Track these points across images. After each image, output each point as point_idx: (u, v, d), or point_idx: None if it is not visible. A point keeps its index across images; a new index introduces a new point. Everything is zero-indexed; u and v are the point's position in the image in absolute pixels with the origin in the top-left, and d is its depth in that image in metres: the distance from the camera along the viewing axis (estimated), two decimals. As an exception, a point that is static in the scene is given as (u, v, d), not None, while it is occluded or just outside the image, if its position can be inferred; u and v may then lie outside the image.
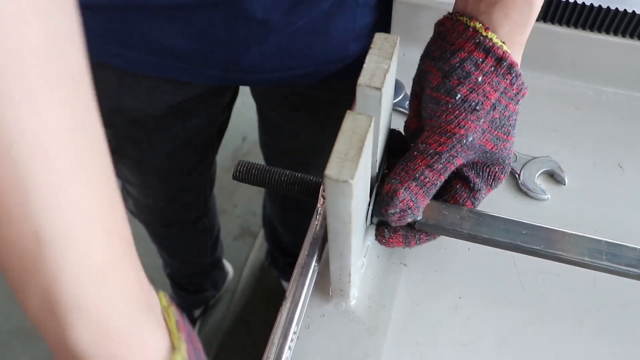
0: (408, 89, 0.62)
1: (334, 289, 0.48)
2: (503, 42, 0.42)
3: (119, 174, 0.90)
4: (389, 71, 0.38)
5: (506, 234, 0.45)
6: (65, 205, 0.24)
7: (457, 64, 0.42)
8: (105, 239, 0.26)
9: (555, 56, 0.65)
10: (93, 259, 0.25)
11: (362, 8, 0.61)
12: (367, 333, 0.48)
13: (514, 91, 0.43)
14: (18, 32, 0.22)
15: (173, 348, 0.29)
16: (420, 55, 0.48)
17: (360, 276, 0.50)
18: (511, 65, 0.42)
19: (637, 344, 0.48)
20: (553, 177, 0.58)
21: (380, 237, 0.48)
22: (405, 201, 0.43)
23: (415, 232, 0.47)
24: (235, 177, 0.49)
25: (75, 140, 0.24)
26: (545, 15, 0.62)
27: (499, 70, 0.42)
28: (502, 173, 0.47)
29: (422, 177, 0.43)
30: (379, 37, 0.40)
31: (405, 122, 0.49)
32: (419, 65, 0.47)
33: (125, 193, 0.99)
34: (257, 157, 1.01)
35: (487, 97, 0.42)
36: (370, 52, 0.39)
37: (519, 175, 0.57)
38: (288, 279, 0.59)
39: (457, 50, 0.42)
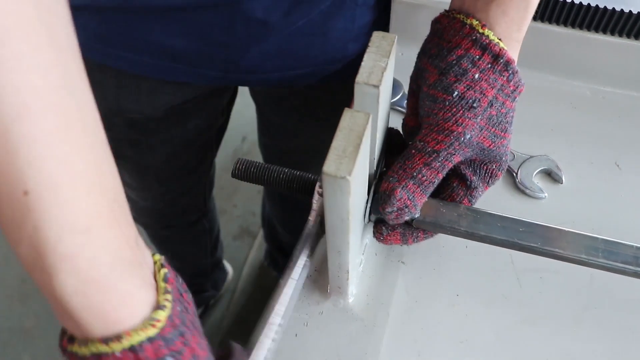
0: (406, 88, 0.63)
1: (332, 287, 0.49)
2: (500, 40, 0.42)
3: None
4: (386, 69, 0.38)
5: (503, 232, 0.45)
6: (49, 161, 0.26)
7: (454, 62, 0.42)
8: (90, 195, 0.27)
9: (553, 56, 0.65)
10: (76, 214, 0.27)
11: (361, 8, 0.61)
12: (365, 330, 0.48)
13: (511, 88, 0.44)
14: (3, 2, 0.24)
15: (158, 306, 0.30)
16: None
17: (358, 274, 0.50)
18: (508, 62, 0.42)
19: (634, 341, 0.48)
20: (550, 175, 0.58)
21: (378, 234, 0.48)
22: (402, 200, 0.43)
23: (413, 229, 0.48)
24: (234, 175, 0.49)
25: (61, 101, 0.26)
26: (543, 15, 0.62)
27: (496, 67, 0.42)
28: (499, 170, 0.47)
29: (420, 176, 0.43)
30: (377, 36, 0.40)
31: (403, 120, 0.50)
32: (416, 63, 0.47)
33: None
34: (257, 157, 1.01)
35: (484, 94, 0.42)
36: (368, 50, 0.39)
37: (516, 174, 0.57)
38: (287, 279, 0.59)
39: (453, 48, 0.42)
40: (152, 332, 0.29)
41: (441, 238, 0.52)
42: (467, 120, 0.42)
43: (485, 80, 0.42)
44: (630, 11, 0.59)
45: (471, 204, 0.48)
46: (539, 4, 0.61)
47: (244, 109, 1.12)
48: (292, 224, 1.16)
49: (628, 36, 0.61)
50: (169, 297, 0.31)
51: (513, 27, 0.43)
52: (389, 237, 0.48)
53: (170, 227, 1.09)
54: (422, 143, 0.43)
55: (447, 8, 0.46)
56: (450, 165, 0.44)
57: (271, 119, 0.87)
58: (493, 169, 0.47)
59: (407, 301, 0.50)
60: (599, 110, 0.64)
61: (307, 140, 0.85)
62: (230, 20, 0.56)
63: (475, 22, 0.42)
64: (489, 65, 0.42)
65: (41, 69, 0.25)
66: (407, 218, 0.45)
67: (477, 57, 0.42)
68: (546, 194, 0.56)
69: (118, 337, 0.28)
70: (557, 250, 0.44)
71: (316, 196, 0.45)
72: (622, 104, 0.64)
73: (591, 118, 0.63)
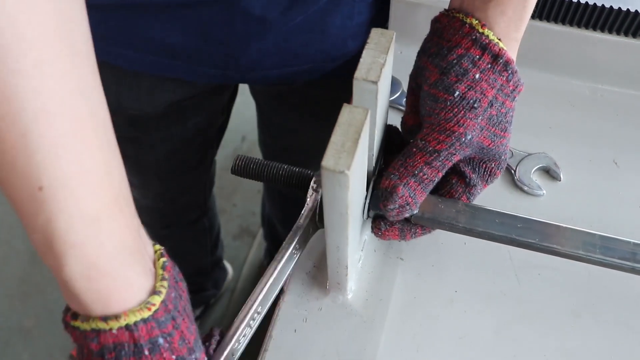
0: (405, 86, 0.63)
1: (331, 283, 0.49)
2: (499, 39, 0.42)
3: None
4: (385, 65, 0.39)
5: (501, 228, 0.45)
6: (62, 160, 0.28)
7: (455, 61, 0.42)
8: (98, 191, 0.30)
9: (551, 54, 0.65)
10: (85, 206, 0.30)
11: (359, 4, 0.61)
12: (364, 326, 0.48)
13: (511, 88, 0.44)
14: (27, 14, 0.26)
15: (154, 291, 0.33)
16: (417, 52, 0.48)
17: (357, 270, 0.50)
18: (507, 63, 0.42)
19: (631, 337, 0.48)
20: (549, 173, 0.58)
21: (376, 229, 0.48)
22: (404, 197, 0.43)
23: (412, 225, 0.48)
24: (233, 171, 0.49)
25: (75, 105, 0.29)
26: (542, 13, 0.62)
27: (496, 67, 0.42)
28: (498, 169, 0.48)
29: (421, 174, 0.43)
30: (375, 32, 0.40)
31: (402, 117, 0.50)
32: (415, 61, 0.47)
33: None
34: (257, 157, 1.02)
35: (484, 94, 0.42)
36: (367, 46, 0.40)
37: (514, 171, 0.57)
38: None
39: (453, 47, 0.43)
40: (146, 314, 0.32)
41: (440, 235, 0.53)
42: (468, 120, 0.42)
43: (486, 80, 0.42)
44: (628, 9, 0.59)
45: (469, 202, 0.48)
46: (537, 3, 0.61)
47: (244, 108, 1.12)
48: (292, 223, 1.16)
49: (626, 34, 0.61)
50: (165, 283, 0.33)
51: (511, 26, 0.43)
52: (387, 233, 0.48)
53: (171, 225, 1.09)
54: (423, 142, 0.44)
55: (446, 7, 0.47)
56: (451, 164, 0.44)
57: (271, 117, 0.87)
58: (492, 168, 0.47)
59: (406, 297, 0.50)
60: (598, 109, 0.64)
61: (307, 138, 0.85)
62: (228, 17, 0.57)
63: (475, 22, 0.42)
64: (489, 66, 0.42)
65: (58, 75, 0.28)
66: (407, 215, 0.45)
67: (477, 57, 0.42)
68: (544, 191, 0.56)
69: (116, 317, 0.31)
70: (555, 246, 0.44)
71: (310, 191, 0.45)
72: (620, 102, 0.65)
73: (589, 116, 0.63)
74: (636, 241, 0.44)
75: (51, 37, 0.27)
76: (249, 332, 0.42)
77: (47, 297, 1.50)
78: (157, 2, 0.57)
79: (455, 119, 0.42)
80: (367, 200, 0.46)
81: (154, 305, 0.32)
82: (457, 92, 0.42)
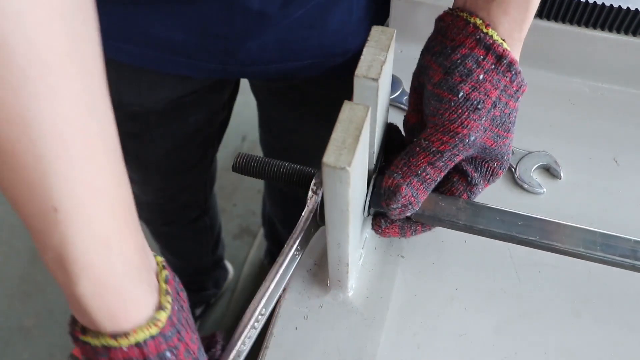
0: (406, 85, 0.63)
1: (332, 280, 0.49)
2: (503, 40, 0.42)
3: None
4: (385, 62, 0.39)
5: (502, 225, 0.45)
6: (76, 182, 0.29)
7: (459, 61, 0.42)
8: (109, 210, 0.31)
9: (552, 52, 0.65)
10: (97, 227, 0.30)
11: (358, 0, 0.62)
12: (364, 324, 0.49)
13: (514, 89, 0.44)
14: (44, 36, 0.26)
15: (160, 306, 0.34)
16: (418, 51, 0.48)
17: (358, 267, 0.51)
18: (511, 63, 0.42)
19: (631, 334, 0.48)
20: (549, 171, 0.58)
21: (376, 226, 0.48)
22: (407, 197, 0.43)
23: (412, 223, 0.48)
24: (234, 169, 0.50)
25: (87, 127, 0.29)
26: (542, 12, 0.62)
27: (499, 68, 0.42)
28: (500, 169, 0.48)
29: (424, 174, 0.43)
30: (376, 30, 0.40)
31: (405, 116, 0.50)
32: (419, 60, 0.47)
33: None
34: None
35: (488, 95, 0.42)
36: (368, 44, 0.40)
37: (515, 170, 0.57)
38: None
39: (457, 47, 0.42)
40: (154, 330, 0.33)
41: (440, 232, 0.53)
42: (472, 122, 0.42)
43: (489, 81, 0.42)
44: (628, 8, 0.59)
45: (471, 199, 0.48)
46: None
47: (244, 108, 1.12)
48: (293, 222, 1.16)
49: (626, 33, 0.61)
50: (169, 298, 0.34)
51: (515, 26, 0.43)
52: (387, 230, 0.48)
53: (171, 223, 1.09)
54: (426, 142, 0.44)
55: (447, 5, 0.46)
56: (453, 164, 0.45)
57: (272, 115, 0.87)
58: (494, 167, 0.47)
59: (407, 295, 0.50)
60: (598, 107, 0.64)
61: (307, 136, 0.85)
62: (228, 12, 0.57)
63: (479, 21, 0.42)
64: (493, 66, 0.42)
65: (72, 98, 0.28)
66: (409, 214, 0.45)
67: (482, 57, 0.42)
68: (545, 189, 0.57)
69: (126, 334, 0.32)
70: (555, 243, 0.45)
71: (310, 193, 0.46)
72: (620, 101, 0.65)
73: (590, 114, 0.63)
74: (636, 239, 0.44)
75: (65, 60, 0.27)
76: (254, 334, 0.43)
77: (48, 297, 1.50)
78: None
79: (459, 120, 0.42)
80: (368, 198, 0.46)
81: (160, 321, 0.33)
82: (462, 93, 0.42)
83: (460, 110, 0.42)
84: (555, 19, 0.62)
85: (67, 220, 0.29)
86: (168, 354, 0.33)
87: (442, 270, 0.52)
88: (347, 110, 0.36)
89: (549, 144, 0.60)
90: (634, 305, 0.50)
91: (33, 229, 0.30)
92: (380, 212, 0.47)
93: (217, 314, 1.47)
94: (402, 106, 0.63)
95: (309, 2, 0.58)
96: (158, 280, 0.35)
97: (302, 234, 0.45)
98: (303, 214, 0.45)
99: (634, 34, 0.61)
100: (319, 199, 0.45)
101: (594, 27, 0.62)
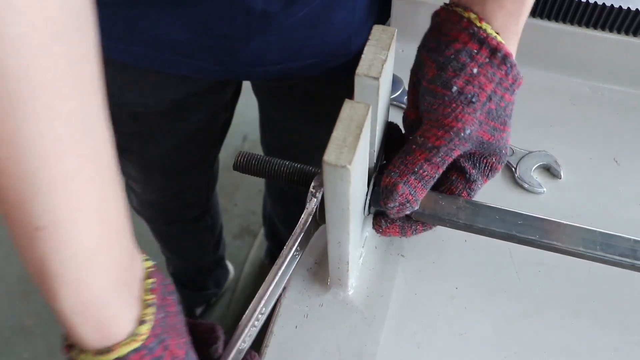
0: (407, 84, 0.63)
1: (332, 279, 0.49)
2: (497, 33, 0.42)
3: (123, 169, 0.91)
4: (386, 61, 0.39)
5: (502, 224, 0.45)
6: (59, 201, 0.29)
7: (452, 56, 0.42)
8: (93, 229, 0.31)
9: (553, 53, 0.65)
10: (77, 245, 0.30)
11: None
12: (365, 322, 0.49)
13: (510, 81, 0.44)
14: (42, 60, 0.26)
15: (142, 320, 0.34)
16: (419, 50, 0.48)
17: (358, 266, 0.51)
18: (506, 56, 0.42)
19: (631, 333, 0.48)
20: (549, 171, 0.58)
21: (377, 226, 0.48)
22: (404, 195, 0.43)
23: (412, 222, 0.48)
24: (235, 168, 0.50)
25: (78, 145, 0.29)
26: (543, 12, 0.62)
27: (494, 61, 0.42)
28: (499, 163, 0.47)
29: (421, 171, 0.43)
30: (377, 29, 0.41)
31: (404, 112, 0.50)
32: (416, 56, 0.47)
33: (129, 189, 0.99)
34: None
35: (482, 88, 0.42)
36: (368, 43, 0.40)
37: (515, 169, 0.57)
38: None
39: (451, 42, 0.43)
40: (135, 345, 0.33)
41: (441, 232, 0.53)
42: (466, 115, 0.42)
43: (484, 74, 0.42)
44: (629, 8, 0.59)
45: (470, 197, 0.48)
46: (539, 1, 0.61)
47: (245, 109, 1.12)
48: (293, 222, 1.16)
49: (627, 33, 0.61)
50: (150, 310, 0.34)
51: (510, 20, 0.43)
52: (387, 230, 0.48)
53: (173, 222, 1.09)
54: (422, 138, 0.44)
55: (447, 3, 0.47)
56: (451, 160, 0.44)
57: (272, 115, 0.88)
58: (493, 162, 0.47)
59: (407, 294, 0.50)
60: (598, 107, 0.64)
61: (308, 137, 0.85)
62: (230, 12, 0.57)
63: (473, 16, 0.42)
64: (487, 60, 0.42)
65: (64, 117, 0.28)
66: (408, 212, 0.45)
67: (475, 51, 0.42)
68: (545, 189, 0.57)
69: (108, 350, 0.32)
70: (555, 242, 0.45)
71: (309, 195, 0.46)
72: (621, 101, 0.65)
73: (590, 114, 0.64)
74: (636, 238, 0.44)
75: (60, 81, 0.27)
76: (254, 332, 0.43)
77: (48, 296, 1.50)
78: None
79: (453, 114, 0.42)
80: (368, 197, 0.46)
81: (141, 335, 0.33)
82: (455, 87, 0.42)
83: (454, 104, 0.42)
84: (556, 19, 0.63)
85: (47, 237, 0.29)
86: None
87: (442, 269, 0.52)
88: (348, 109, 0.36)
89: (549, 144, 0.60)
90: (633, 304, 0.50)
91: (15, 242, 0.30)
92: (381, 211, 0.47)
93: (218, 313, 1.48)
94: (403, 105, 0.63)
95: (313, 1, 0.58)
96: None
97: (302, 235, 0.45)
98: (303, 215, 0.45)
99: (634, 34, 0.61)
100: (318, 200, 0.46)
101: (594, 27, 0.62)
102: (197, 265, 1.33)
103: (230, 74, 0.65)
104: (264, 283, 0.43)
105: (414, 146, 0.44)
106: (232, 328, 0.42)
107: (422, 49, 0.46)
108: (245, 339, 0.42)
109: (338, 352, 0.47)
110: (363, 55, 0.39)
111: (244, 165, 0.49)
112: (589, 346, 0.48)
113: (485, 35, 0.42)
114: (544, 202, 0.56)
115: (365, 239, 0.52)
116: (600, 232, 0.45)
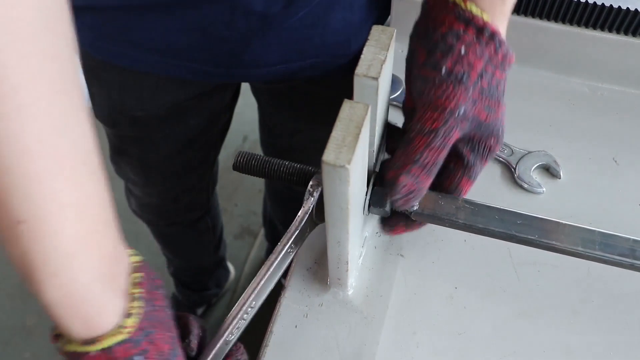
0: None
1: (332, 278, 0.49)
2: (483, 11, 0.42)
3: (122, 173, 0.91)
4: (385, 61, 0.39)
5: (501, 224, 0.45)
6: (40, 197, 0.29)
7: (440, 39, 0.42)
8: (75, 224, 0.31)
9: (551, 53, 0.65)
10: (60, 241, 0.31)
11: None
12: (364, 322, 0.49)
13: (499, 59, 0.44)
14: (17, 55, 0.26)
15: (127, 313, 0.34)
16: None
17: (357, 266, 0.51)
18: (493, 34, 0.42)
19: (630, 333, 0.48)
20: (549, 171, 0.58)
21: (384, 232, 0.49)
22: (407, 186, 0.43)
23: (413, 222, 0.48)
24: (235, 168, 0.50)
25: (56, 142, 0.29)
26: (542, 12, 0.63)
27: (481, 39, 0.42)
28: (497, 144, 0.47)
29: (422, 158, 0.43)
30: (376, 29, 0.41)
31: (403, 102, 0.50)
32: (408, 45, 0.47)
33: (128, 192, 0.99)
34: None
35: (472, 67, 0.42)
36: (368, 43, 0.40)
37: (515, 169, 0.58)
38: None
39: (438, 26, 0.43)
40: (120, 337, 0.33)
41: (440, 232, 0.53)
42: (458, 94, 0.42)
43: (472, 52, 0.42)
44: (628, 8, 0.59)
45: (471, 181, 0.48)
46: (538, 1, 0.62)
47: (245, 109, 1.12)
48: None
49: (626, 33, 0.61)
50: (136, 304, 0.35)
51: (496, 1, 0.43)
52: (394, 233, 0.49)
53: (174, 224, 1.09)
54: (419, 124, 0.43)
55: None
56: (451, 143, 0.44)
57: (272, 117, 0.88)
58: (491, 145, 0.47)
59: (406, 293, 0.50)
60: (597, 107, 0.64)
61: (308, 138, 0.85)
62: (230, 14, 0.57)
63: None
64: (474, 38, 0.42)
65: (41, 115, 0.28)
66: (415, 202, 0.45)
67: (462, 31, 0.42)
68: (544, 189, 0.57)
69: (93, 341, 0.33)
70: (554, 242, 0.45)
71: (306, 194, 0.46)
72: (620, 101, 0.65)
73: (589, 114, 0.64)
74: (635, 238, 0.44)
75: (35, 79, 0.28)
76: (243, 324, 0.43)
77: (49, 296, 1.50)
78: (160, 1, 0.57)
79: (445, 95, 0.42)
80: (368, 197, 0.46)
81: (127, 327, 0.34)
82: (444, 69, 0.42)
83: (444, 85, 0.42)
84: (555, 19, 0.63)
85: (30, 232, 0.30)
86: (136, 358, 0.34)
87: (441, 269, 0.52)
88: (347, 109, 0.36)
89: (549, 144, 0.60)
90: (632, 304, 0.50)
91: (1, 238, 0.31)
92: (384, 218, 0.47)
93: (219, 313, 1.48)
94: (403, 106, 0.63)
95: (312, 1, 0.59)
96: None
97: (297, 232, 0.45)
98: (300, 212, 0.45)
99: (634, 34, 0.61)
100: (316, 198, 0.46)
101: (594, 27, 0.62)
102: (197, 266, 1.33)
103: (231, 76, 0.65)
104: (255, 276, 0.44)
105: (412, 134, 0.44)
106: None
107: (413, 36, 0.46)
108: (233, 331, 0.42)
109: (337, 352, 0.47)
110: (362, 56, 0.39)
111: (244, 165, 0.49)
112: (588, 345, 0.48)
113: (471, 15, 0.42)
114: (543, 202, 0.56)
115: (364, 238, 0.52)
116: (599, 232, 0.45)
